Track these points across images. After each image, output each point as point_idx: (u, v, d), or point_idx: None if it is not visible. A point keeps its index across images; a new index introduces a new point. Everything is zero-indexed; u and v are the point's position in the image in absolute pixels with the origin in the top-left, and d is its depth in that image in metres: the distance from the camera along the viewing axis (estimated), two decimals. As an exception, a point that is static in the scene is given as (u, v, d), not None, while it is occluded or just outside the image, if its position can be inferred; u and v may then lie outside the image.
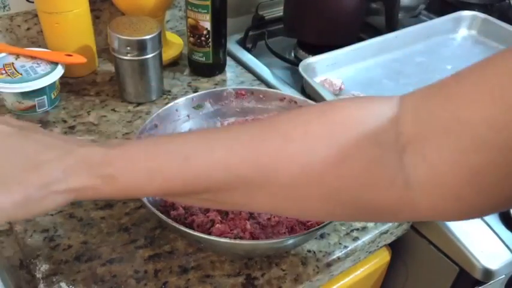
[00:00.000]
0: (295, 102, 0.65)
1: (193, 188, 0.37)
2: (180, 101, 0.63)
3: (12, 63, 0.71)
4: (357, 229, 0.58)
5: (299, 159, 0.35)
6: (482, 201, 0.32)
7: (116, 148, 0.37)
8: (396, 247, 0.66)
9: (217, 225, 0.53)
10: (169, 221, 0.47)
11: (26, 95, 0.68)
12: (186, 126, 0.65)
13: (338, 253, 0.55)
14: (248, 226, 0.53)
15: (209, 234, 0.51)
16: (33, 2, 0.76)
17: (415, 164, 0.32)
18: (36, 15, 0.77)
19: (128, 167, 0.37)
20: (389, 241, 0.62)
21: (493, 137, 0.28)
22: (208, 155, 0.37)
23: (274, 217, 0.54)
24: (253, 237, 0.52)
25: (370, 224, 0.59)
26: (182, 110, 0.64)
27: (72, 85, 0.78)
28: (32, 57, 0.72)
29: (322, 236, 0.57)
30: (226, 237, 0.51)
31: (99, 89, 0.78)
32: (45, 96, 0.70)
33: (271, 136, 0.37)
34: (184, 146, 0.38)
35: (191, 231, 0.47)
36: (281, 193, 0.37)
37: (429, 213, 0.35)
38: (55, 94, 0.72)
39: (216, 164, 0.36)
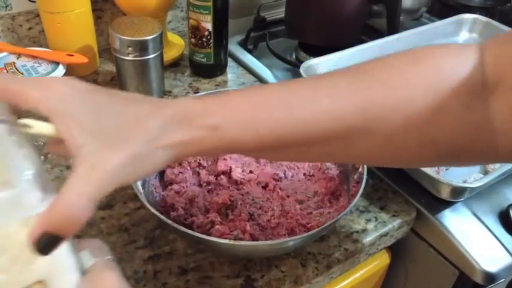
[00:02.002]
0: None
1: (295, 139, 0.36)
2: None
3: (14, 62, 0.71)
4: (357, 231, 0.58)
5: (402, 108, 0.35)
6: None
7: (215, 99, 0.35)
8: (396, 250, 0.66)
9: (217, 226, 0.53)
10: (169, 221, 0.47)
11: (27, 94, 0.68)
12: None
13: (338, 255, 0.55)
14: (248, 227, 0.53)
15: (209, 235, 0.51)
16: (35, 2, 0.76)
17: (499, 108, 0.34)
18: (38, 15, 0.77)
19: (233, 116, 0.34)
20: (389, 244, 0.62)
21: None
22: (314, 106, 0.35)
23: (274, 219, 0.54)
24: (253, 238, 0.52)
25: (370, 227, 0.59)
26: None
27: (73, 85, 0.78)
28: (34, 57, 0.72)
29: (322, 238, 0.57)
30: (226, 238, 0.51)
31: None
32: (46, 96, 0.70)
33: (372, 85, 0.36)
34: (290, 97, 0.36)
35: (191, 232, 0.47)
36: (381, 143, 0.36)
37: (508, 157, 0.36)
38: (56, 94, 0.72)
39: (323, 114, 0.35)
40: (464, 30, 0.92)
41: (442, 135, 0.36)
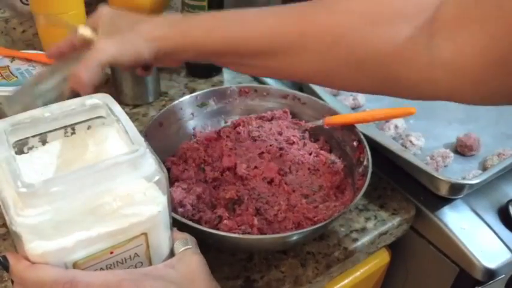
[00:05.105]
0: (299, 99, 0.66)
1: (240, 48, 0.46)
2: (185, 99, 0.64)
3: (8, 66, 0.70)
4: (356, 230, 0.58)
5: (334, 30, 0.41)
6: (502, 88, 0.35)
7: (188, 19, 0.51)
8: (396, 248, 0.66)
9: (225, 221, 0.53)
10: (178, 217, 0.47)
11: (21, 98, 0.68)
12: (190, 124, 0.66)
13: (337, 254, 0.55)
14: (255, 222, 0.53)
15: (217, 230, 0.51)
16: (28, 5, 0.76)
17: (443, 46, 0.36)
18: (32, 18, 0.77)
19: (198, 25, 0.48)
20: (388, 242, 0.62)
21: None
22: (261, 22, 0.45)
23: (280, 213, 0.54)
24: (260, 232, 0.53)
25: (370, 225, 0.58)
26: (187, 108, 0.65)
27: (68, 88, 0.78)
28: (28, 60, 0.72)
29: (321, 238, 0.56)
30: (234, 232, 0.51)
31: (95, 92, 0.78)
32: (41, 99, 0.70)
33: (318, 10, 0.43)
34: (242, 15, 0.47)
35: (200, 227, 0.47)
36: (314, 59, 0.43)
37: (447, 93, 0.38)
38: (51, 97, 0.72)
39: (266, 29, 0.45)
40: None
41: (373, 59, 0.40)
